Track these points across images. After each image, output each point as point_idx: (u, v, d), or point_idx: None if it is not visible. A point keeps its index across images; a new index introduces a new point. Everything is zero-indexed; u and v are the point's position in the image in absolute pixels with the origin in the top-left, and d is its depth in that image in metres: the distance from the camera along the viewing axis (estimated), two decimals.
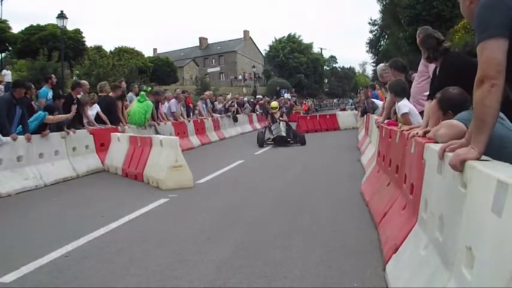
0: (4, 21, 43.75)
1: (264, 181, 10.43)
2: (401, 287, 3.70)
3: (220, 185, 10.13)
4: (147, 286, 4.40)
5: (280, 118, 19.33)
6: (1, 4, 47.80)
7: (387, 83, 9.00)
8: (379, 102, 13.88)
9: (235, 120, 26.36)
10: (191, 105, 21.85)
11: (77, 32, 45.26)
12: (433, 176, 3.70)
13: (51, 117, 10.92)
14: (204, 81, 62.53)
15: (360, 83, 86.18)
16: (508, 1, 2.69)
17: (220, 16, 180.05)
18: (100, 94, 14.88)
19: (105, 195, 9.32)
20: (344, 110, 42.85)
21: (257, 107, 33.75)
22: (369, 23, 57.95)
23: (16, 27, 64.65)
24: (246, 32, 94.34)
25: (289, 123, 19.65)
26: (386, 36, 54.58)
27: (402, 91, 7.52)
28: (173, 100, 19.30)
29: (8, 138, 9.81)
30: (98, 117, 13.82)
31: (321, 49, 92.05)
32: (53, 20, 30.59)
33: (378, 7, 54.38)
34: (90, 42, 56.97)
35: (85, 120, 13.13)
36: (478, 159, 2.72)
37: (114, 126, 13.92)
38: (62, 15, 27.46)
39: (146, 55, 61.73)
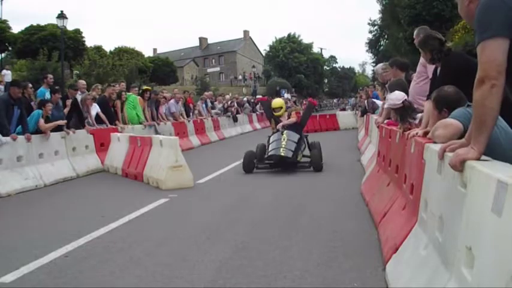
0: (4, 21, 43.69)
1: (264, 181, 10.44)
2: (401, 287, 3.70)
3: (220, 185, 10.14)
4: (147, 286, 4.40)
5: (285, 124, 12.11)
6: (1, 4, 47.77)
7: (387, 82, 9.01)
8: (379, 102, 13.87)
9: (235, 120, 26.34)
10: (191, 105, 21.83)
11: (77, 32, 45.18)
12: (433, 176, 3.70)
13: (43, 124, 10.87)
14: (204, 81, 62.55)
15: (360, 83, 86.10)
16: (508, 1, 2.68)
17: (220, 16, 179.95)
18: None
19: (105, 195, 9.33)
20: (344, 110, 42.80)
21: (257, 106, 33.69)
22: (369, 24, 58.10)
23: (16, 27, 64.60)
24: (246, 32, 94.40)
25: (302, 133, 12.37)
26: (386, 37, 54.59)
27: (402, 91, 7.52)
28: (172, 100, 19.32)
29: (8, 138, 9.82)
30: (97, 118, 13.83)
31: (321, 49, 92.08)
32: (53, 20, 30.55)
33: (378, 7, 54.40)
34: (90, 42, 56.99)
35: (87, 120, 13.14)
36: (478, 159, 2.72)
37: (114, 126, 13.93)
38: (62, 15, 27.42)
39: (146, 55, 61.76)
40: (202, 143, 19.86)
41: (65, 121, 11.63)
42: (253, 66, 75.49)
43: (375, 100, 15.16)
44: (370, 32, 59.11)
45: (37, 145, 10.68)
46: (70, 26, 36.57)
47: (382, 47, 56.82)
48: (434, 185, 3.69)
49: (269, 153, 11.49)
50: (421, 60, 6.59)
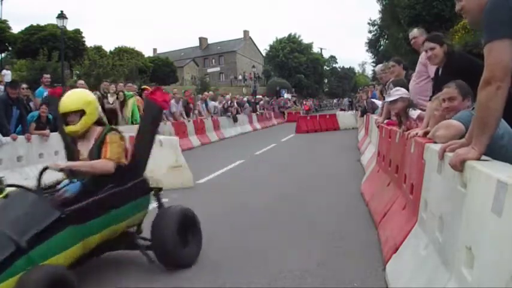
0: (4, 21, 43.67)
1: (264, 181, 10.43)
2: (401, 287, 3.70)
3: (220, 184, 10.14)
4: (145, 286, 4.41)
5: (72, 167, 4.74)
6: (1, 4, 47.63)
7: (386, 83, 9.03)
8: (378, 102, 13.87)
9: (235, 120, 26.34)
10: (192, 104, 21.81)
11: (77, 32, 45.19)
12: (433, 176, 3.71)
13: (32, 129, 10.79)
14: (204, 81, 62.55)
15: (360, 83, 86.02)
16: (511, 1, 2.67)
17: (220, 16, 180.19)
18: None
19: None
20: (344, 110, 42.84)
21: (257, 106, 33.72)
22: (368, 23, 58.01)
23: (16, 27, 64.51)
24: (246, 32, 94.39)
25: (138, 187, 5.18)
26: (385, 37, 54.54)
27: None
28: (172, 101, 19.32)
29: (8, 139, 9.81)
30: None
31: (321, 49, 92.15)
32: (53, 20, 30.52)
33: (378, 7, 54.34)
34: (90, 42, 56.96)
35: None
36: (479, 159, 2.72)
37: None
38: (61, 15, 27.41)
39: (146, 55, 61.77)
40: (202, 143, 19.85)
41: (47, 131, 10.97)
42: (253, 66, 75.42)
43: (374, 100, 15.14)
44: (370, 32, 59.02)
45: (37, 145, 10.67)
46: (70, 26, 36.63)
47: (382, 47, 56.76)
48: (434, 185, 3.69)
49: None
50: (421, 59, 6.59)
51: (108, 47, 74.88)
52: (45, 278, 3.51)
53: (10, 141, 9.87)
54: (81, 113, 4.73)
